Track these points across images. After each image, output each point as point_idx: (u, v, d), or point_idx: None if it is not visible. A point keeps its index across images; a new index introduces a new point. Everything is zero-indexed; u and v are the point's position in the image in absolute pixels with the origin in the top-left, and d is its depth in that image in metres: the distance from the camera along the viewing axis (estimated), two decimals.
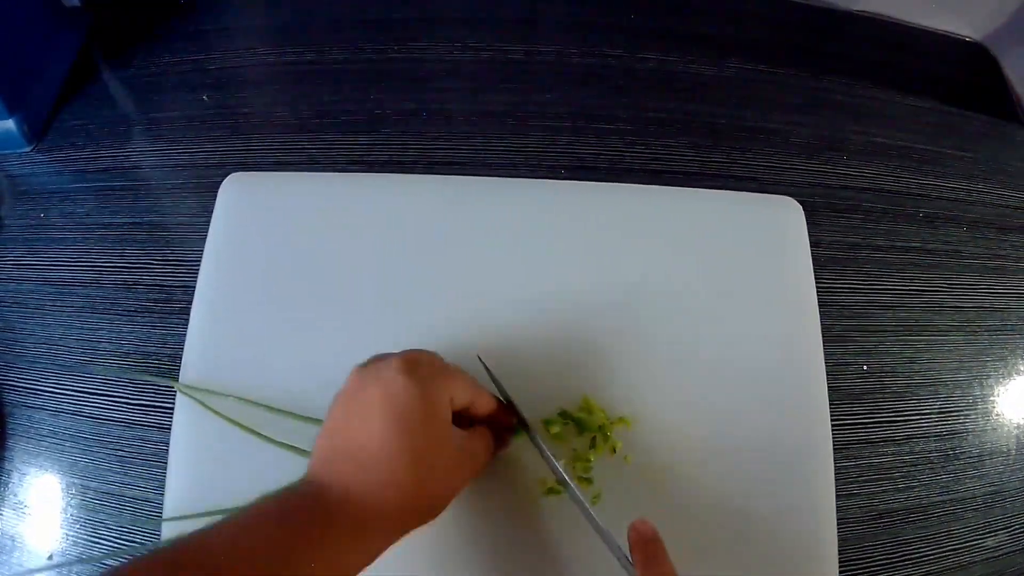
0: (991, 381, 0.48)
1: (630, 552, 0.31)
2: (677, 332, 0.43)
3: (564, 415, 0.40)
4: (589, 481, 0.39)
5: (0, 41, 0.49)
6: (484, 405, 0.35)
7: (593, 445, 0.39)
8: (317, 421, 0.39)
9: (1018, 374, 0.49)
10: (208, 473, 0.39)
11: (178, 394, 0.41)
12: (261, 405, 0.40)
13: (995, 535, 0.44)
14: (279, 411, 0.39)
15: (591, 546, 0.34)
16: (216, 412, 0.40)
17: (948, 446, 0.46)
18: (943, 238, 0.53)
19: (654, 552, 0.30)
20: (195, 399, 0.40)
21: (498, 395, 0.38)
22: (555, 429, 0.39)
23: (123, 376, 0.44)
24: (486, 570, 0.37)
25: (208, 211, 0.46)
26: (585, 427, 0.39)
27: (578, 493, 0.34)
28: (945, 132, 0.58)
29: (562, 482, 0.36)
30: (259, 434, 0.39)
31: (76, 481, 0.42)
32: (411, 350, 0.34)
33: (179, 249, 0.48)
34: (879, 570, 0.42)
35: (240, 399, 0.40)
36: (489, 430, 0.35)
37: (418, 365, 0.30)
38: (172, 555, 0.26)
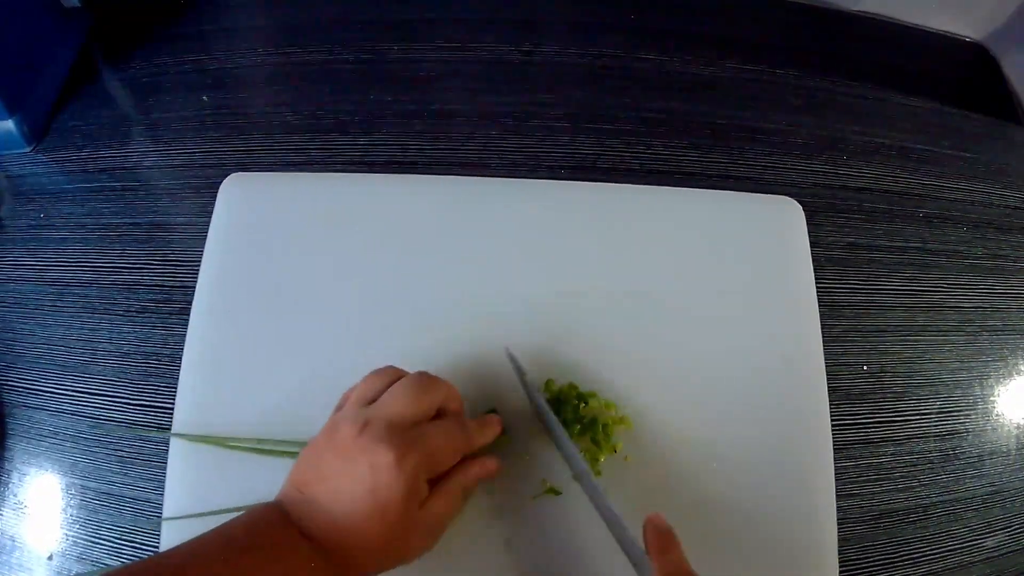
0: (991, 381, 0.48)
1: (644, 542, 0.32)
2: (677, 332, 0.43)
3: (580, 397, 0.40)
4: (599, 473, 0.39)
5: (0, 41, 0.49)
6: (474, 447, 0.35)
7: (596, 443, 0.39)
8: None
9: (1018, 374, 0.49)
10: (207, 474, 0.39)
11: (178, 393, 0.41)
12: (260, 442, 0.39)
13: (995, 535, 0.44)
14: (275, 443, 0.39)
15: (589, 545, 0.34)
16: (212, 441, 0.39)
17: (948, 446, 0.46)
18: (943, 238, 0.53)
19: (669, 542, 0.31)
20: (191, 439, 0.40)
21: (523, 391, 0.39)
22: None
23: (120, 432, 0.43)
24: (484, 570, 0.37)
25: (208, 211, 0.46)
26: (588, 426, 0.39)
27: (596, 483, 0.34)
28: (945, 132, 0.58)
29: (579, 474, 0.35)
30: (259, 450, 0.39)
31: (76, 481, 0.42)
32: (411, 391, 0.33)
33: (179, 249, 0.48)
34: (879, 570, 0.42)
35: (235, 440, 0.39)
36: (468, 472, 0.35)
37: (409, 452, 0.31)
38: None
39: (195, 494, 0.38)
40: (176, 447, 0.40)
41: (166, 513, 0.38)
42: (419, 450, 0.31)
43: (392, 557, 0.32)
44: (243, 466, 0.39)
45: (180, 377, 0.41)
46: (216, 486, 0.38)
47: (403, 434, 0.31)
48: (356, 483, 0.30)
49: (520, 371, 0.39)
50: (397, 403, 0.33)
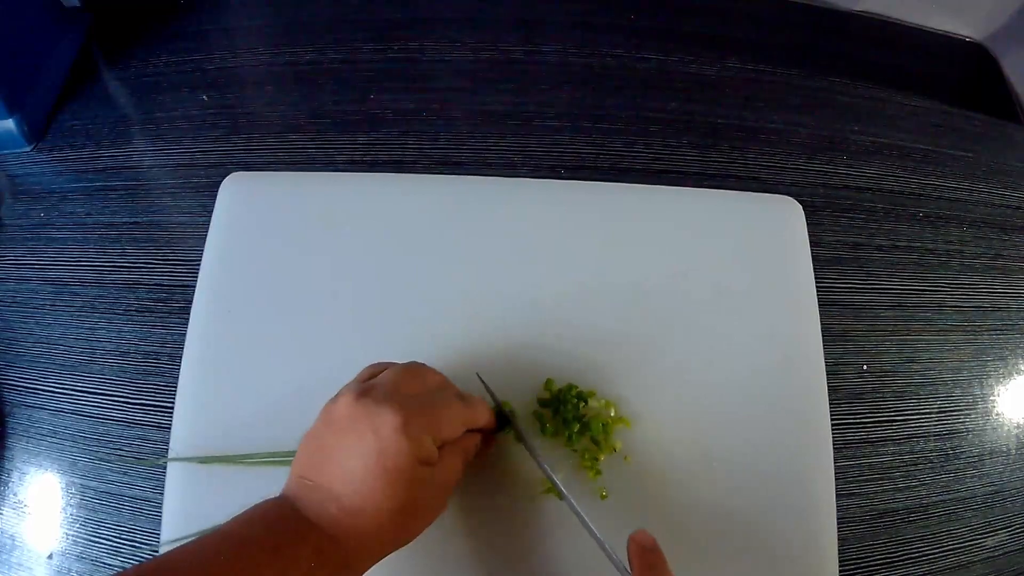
0: (991, 381, 0.48)
1: (629, 562, 0.31)
2: (677, 332, 0.43)
3: (579, 397, 0.40)
4: (598, 472, 0.39)
5: (0, 41, 0.49)
6: (478, 421, 0.35)
7: (596, 442, 0.39)
8: None
9: (1018, 374, 0.49)
10: (207, 479, 0.39)
11: (178, 394, 0.41)
12: (255, 459, 0.39)
13: (995, 535, 0.44)
14: (274, 455, 0.39)
15: (590, 546, 0.34)
16: (209, 460, 0.39)
17: (948, 446, 0.46)
18: (943, 238, 0.53)
19: (653, 561, 0.30)
20: (195, 461, 0.39)
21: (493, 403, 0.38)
22: (550, 428, 0.39)
23: (120, 431, 0.43)
24: (484, 570, 0.37)
25: (208, 211, 0.46)
26: (588, 426, 0.39)
27: (575, 504, 0.34)
28: (945, 132, 0.58)
29: (561, 494, 0.35)
30: (255, 463, 0.39)
31: (76, 480, 0.42)
32: (407, 371, 0.33)
33: (179, 249, 0.48)
34: (879, 570, 0.42)
35: (231, 458, 0.39)
36: (468, 439, 0.35)
37: (413, 416, 0.30)
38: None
39: (196, 508, 0.38)
40: (176, 452, 0.40)
41: (164, 531, 0.38)
42: (423, 413, 0.31)
43: (406, 529, 0.31)
44: (246, 475, 0.39)
45: (180, 376, 0.41)
46: (218, 498, 0.38)
47: (404, 398, 0.31)
48: (361, 455, 0.29)
49: (492, 396, 0.39)
50: (393, 379, 0.32)
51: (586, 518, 0.34)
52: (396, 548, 0.31)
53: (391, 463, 0.29)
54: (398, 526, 0.30)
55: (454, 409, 0.33)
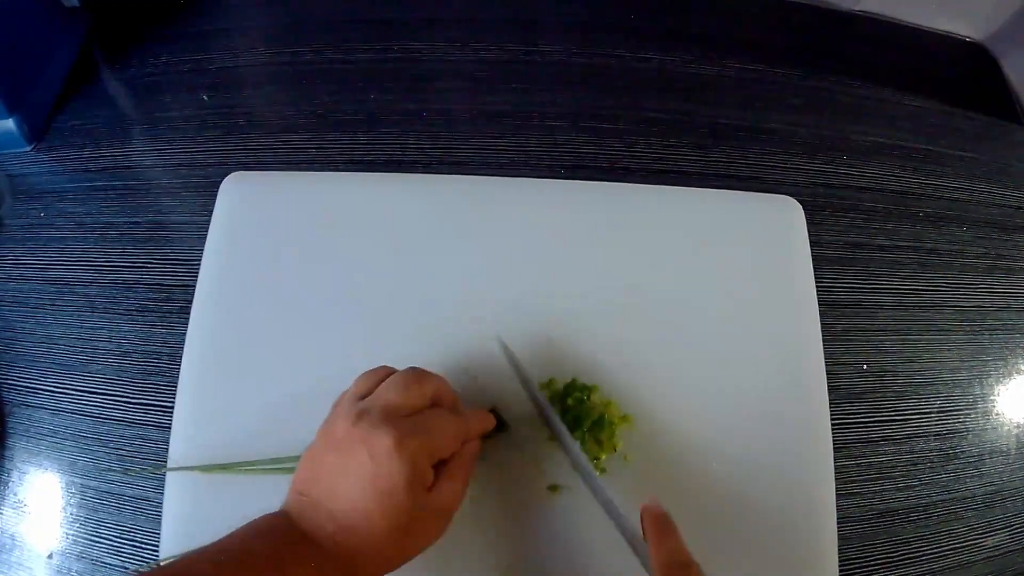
0: (991, 381, 0.48)
1: (642, 530, 0.32)
2: (677, 331, 0.43)
3: (583, 391, 0.40)
4: (601, 471, 0.39)
5: (0, 41, 0.49)
6: (472, 433, 0.35)
7: (598, 441, 0.39)
8: None
9: (1018, 374, 0.49)
10: (208, 485, 0.39)
11: (177, 396, 0.41)
12: (257, 467, 0.39)
13: (995, 535, 0.44)
14: (275, 464, 0.38)
15: (589, 543, 0.34)
16: (209, 469, 0.39)
17: (948, 445, 0.46)
18: (944, 238, 0.53)
19: (666, 528, 0.31)
20: (197, 470, 0.39)
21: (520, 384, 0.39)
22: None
23: (120, 431, 0.43)
24: (483, 569, 0.37)
25: (208, 211, 0.46)
26: (590, 424, 0.39)
27: (594, 475, 0.35)
28: (945, 132, 0.58)
29: (577, 466, 0.36)
30: (258, 470, 0.39)
31: (76, 480, 0.42)
32: (404, 382, 0.33)
33: (179, 249, 0.48)
34: (879, 570, 0.42)
35: (233, 466, 0.39)
36: (465, 460, 0.35)
37: (407, 437, 0.30)
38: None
39: (197, 515, 0.38)
40: (176, 453, 0.40)
41: (163, 538, 0.38)
42: (418, 434, 0.31)
43: (403, 549, 0.31)
44: (248, 481, 0.39)
45: (180, 375, 0.41)
46: (220, 504, 0.38)
47: (400, 420, 0.31)
48: (357, 477, 0.30)
49: (515, 363, 0.39)
50: (390, 393, 0.32)
51: (604, 490, 0.34)
52: (394, 568, 0.31)
53: (385, 485, 0.29)
54: (394, 546, 0.30)
55: (448, 425, 0.33)
